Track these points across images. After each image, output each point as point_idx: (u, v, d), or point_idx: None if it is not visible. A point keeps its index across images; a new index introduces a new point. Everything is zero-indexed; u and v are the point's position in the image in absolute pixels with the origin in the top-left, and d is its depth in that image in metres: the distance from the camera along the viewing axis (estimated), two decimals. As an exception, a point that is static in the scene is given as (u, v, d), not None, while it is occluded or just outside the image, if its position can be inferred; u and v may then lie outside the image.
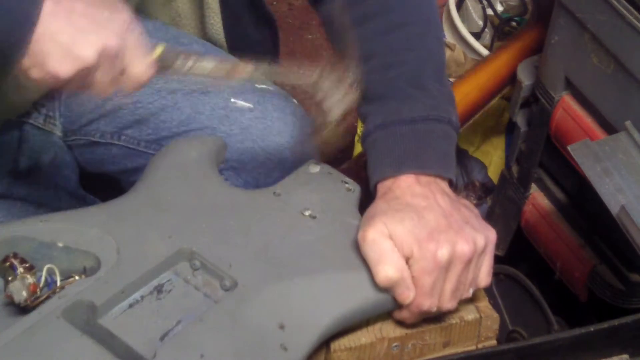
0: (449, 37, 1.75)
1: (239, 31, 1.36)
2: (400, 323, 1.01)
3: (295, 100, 1.31)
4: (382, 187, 1.05)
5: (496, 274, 1.53)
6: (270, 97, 1.28)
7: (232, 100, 1.26)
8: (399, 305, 0.98)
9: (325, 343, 0.99)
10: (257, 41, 1.38)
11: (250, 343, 0.91)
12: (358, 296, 0.97)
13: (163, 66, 1.00)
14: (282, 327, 0.92)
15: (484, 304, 1.06)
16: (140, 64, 0.97)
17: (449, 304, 0.99)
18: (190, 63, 1.01)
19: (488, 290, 1.06)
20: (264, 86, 1.29)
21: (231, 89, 1.27)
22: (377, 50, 1.11)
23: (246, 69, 1.01)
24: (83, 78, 0.95)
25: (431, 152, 1.05)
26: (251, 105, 1.26)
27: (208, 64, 1.02)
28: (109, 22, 0.95)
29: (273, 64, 1.03)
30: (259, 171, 1.23)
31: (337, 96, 1.04)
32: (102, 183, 1.34)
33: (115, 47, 0.94)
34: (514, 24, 1.75)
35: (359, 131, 1.91)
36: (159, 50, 1.00)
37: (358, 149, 1.91)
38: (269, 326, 0.92)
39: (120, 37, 0.95)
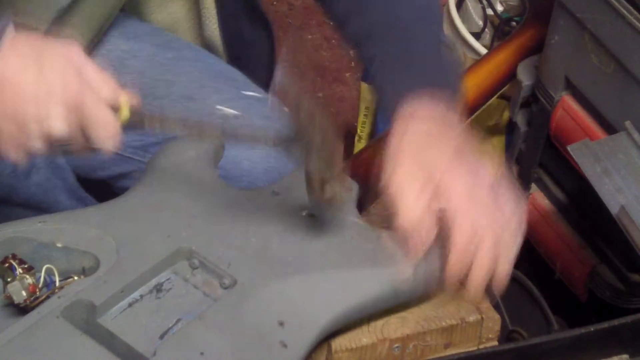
0: (449, 37, 1.75)
1: (236, 33, 1.36)
2: (402, 324, 1.01)
3: (284, 108, 1.31)
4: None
5: (496, 274, 1.53)
6: (256, 104, 1.27)
7: (218, 107, 1.26)
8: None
9: (326, 344, 0.99)
10: (253, 43, 1.38)
11: (250, 340, 0.91)
12: (357, 293, 0.97)
13: (130, 126, 0.97)
14: (281, 324, 0.92)
15: (486, 305, 1.06)
16: (103, 132, 0.94)
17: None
18: (156, 125, 0.98)
19: (488, 290, 1.06)
20: (250, 93, 1.29)
21: (218, 95, 1.27)
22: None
23: (213, 129, 0.97)
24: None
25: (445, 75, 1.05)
26: (237, 113, 1.26)
27: (173, 127, 0.99)
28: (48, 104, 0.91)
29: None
30: (244, 179, 1.23)
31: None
32: (99, 188, 1.34)
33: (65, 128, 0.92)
34: (514, 24, 1.75)
35: (359, 131, 1.91)
36: (124, 114, 0.96)
37: (358, 148, 1.91)
38: (269, 323, 0.92)
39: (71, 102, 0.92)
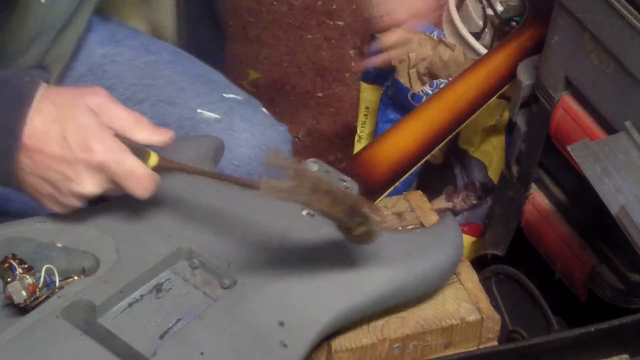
0: (449, 37, 1.75)
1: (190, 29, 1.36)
2: (402, 324, 1.01)
3: (264, 109, 1.30)
4: None
5: (496, 274, 1.53)
6: (237, 107, 1.27)
7: (199, 110, 1.26)
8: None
9: (326, 344, 0.99)
10: (205, 40, 1.38)
11: (250, 340, 0.91)
12: (357, 293, 0.97)
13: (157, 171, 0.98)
14: (281, 324, 0.92)
15: (486, 305, 1.06)
16: (134, 185, 0.95)
17: None
18: (182, 173, 0.99)
19: (488, 290, 1.06)
20: (232, 95, 1.28)
21: (199, 99, 1.27)
22: None
23: (245, 182, 0.96)
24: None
25: None
26: (218, 116, 1.25)
27: (199, 175, 0.99)
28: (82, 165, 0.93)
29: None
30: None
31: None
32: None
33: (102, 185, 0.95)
34: (514, 24, 1.75)
35: (358, 131, 1.91)
36: (152, 159, 0.97)
37: (357, 148, 1.91)
38: (269, 323, 0.92)
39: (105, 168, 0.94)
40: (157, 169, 0.97)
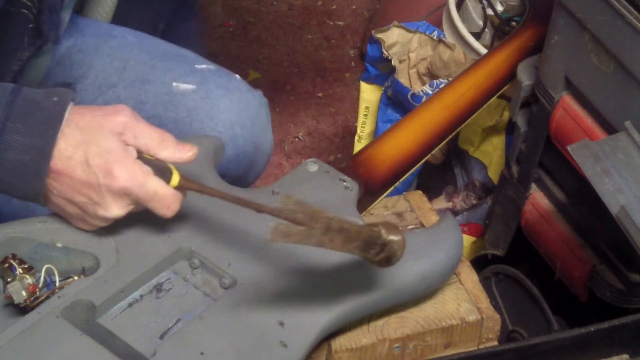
0: (449, 37, 1.75)
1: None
2: (402, 324, 1.01)
3: (237, 76, 1.31)
4: None
5: (496, 274, 1.53)
6: (211, 75, 1.28)
7: (174, 84, 1.26)
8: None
9: (326, 344, 0.99)
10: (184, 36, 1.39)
11: (250, 340, 0.91)
12: (357, 293, 0.97)
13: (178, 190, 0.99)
14: (281, 324, 0.92)
15: (486, 305, 1.06)
16: (158, 206, 0.97)
17: None
18: (201, 193, 0.99)
19: (488, 290, 1.06)
20: (204, 66, 1.29)
21: (172, 73, 1.27)
22: None
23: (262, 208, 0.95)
24: None
25: None
26: (194, 87, 1.26)
27: (217, 196, 0.99)
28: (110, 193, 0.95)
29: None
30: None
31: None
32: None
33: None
34: (514, 24, 1.75)
35: (358, 131, 1.91)
36: (174, 179, 0.98)
37: (357, 148, 1.91)
38: (269, 323, 0.92)
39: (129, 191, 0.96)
40: (179, 188, 0.98)
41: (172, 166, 0.98)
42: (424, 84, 1.74)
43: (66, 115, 0.95)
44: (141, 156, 0.97)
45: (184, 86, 1.26)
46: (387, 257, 0.91)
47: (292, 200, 0.87)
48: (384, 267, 0.93)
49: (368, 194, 1.16)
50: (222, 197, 0.97)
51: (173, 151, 0.98)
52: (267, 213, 0.92)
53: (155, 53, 1.31)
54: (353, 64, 2.47)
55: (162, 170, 0.97)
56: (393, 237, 0.90)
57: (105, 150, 0.94)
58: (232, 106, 1.25)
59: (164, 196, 0.96)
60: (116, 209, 0.96)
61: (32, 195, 0.96)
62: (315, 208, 0.87)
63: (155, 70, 1.28)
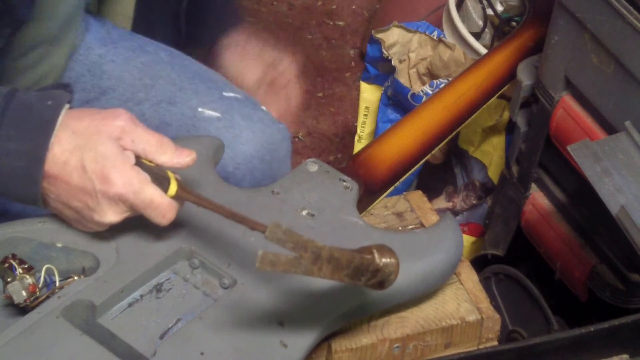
0: (449, 37, 1.75)
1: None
2: (402, 324, 1.01)
3: (263, 108, 1.31)
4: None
5: (496, 274, 1.53)
6: (237, 104, 1.27)
7: (200, 109, 1.26)
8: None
9: (326, 344, 0.99)
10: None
11: (250, 340, 0.91)
12: (357, 294, 0.97)
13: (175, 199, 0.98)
14: (281, 324, 0.92)
15: (486, 305, 1.06)
16: (154, 214, 0.96)
17: None
18: (198, 205, 0.98)
19: (488, 290, 1.06)
20: (231, 94, 1.29)
21: (199, 98, 1.27)
22: None
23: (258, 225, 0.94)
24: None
25: None
26: (219, 115, 1.26)
27: (214, 210, 0.97)
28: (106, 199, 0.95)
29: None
30: (228, 181, 1.23)
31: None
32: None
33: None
34: (514, 24, 1.75)
35: (358, 131, 1.91)
36: (172, 188, 0.97)
37: (357, 148, 1.91)
38: (269, 323, 0.92)
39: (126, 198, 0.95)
40: (175, 197, 0.97)
41: (171, 174, 0.97)
42: (424, 84, 1.74)
43: (60, 119, 0.94)
44: (140, 162, 0.96)
45: (209, 113, 1.26)
46: (380, 282, 0.91)
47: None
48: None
49: (368, 194, 1.16)
50: (218, 211, 0.96)
51: (171, 156, 0.97)
52: (260, 232, 0.91)
53: (185, 74, 1.30)
54: (353, 64, 2.47)
55: (160, 178, 0.96)
56: (386, 260, 0.90)
57: (102, 156, 0.94)
58: (254, 138, 1.25)
59: (159, 205, 0.95)
60: (112, 215, 0.95)
61: (30, 199, 0.96)
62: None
63: (183, 92, 1.28)
